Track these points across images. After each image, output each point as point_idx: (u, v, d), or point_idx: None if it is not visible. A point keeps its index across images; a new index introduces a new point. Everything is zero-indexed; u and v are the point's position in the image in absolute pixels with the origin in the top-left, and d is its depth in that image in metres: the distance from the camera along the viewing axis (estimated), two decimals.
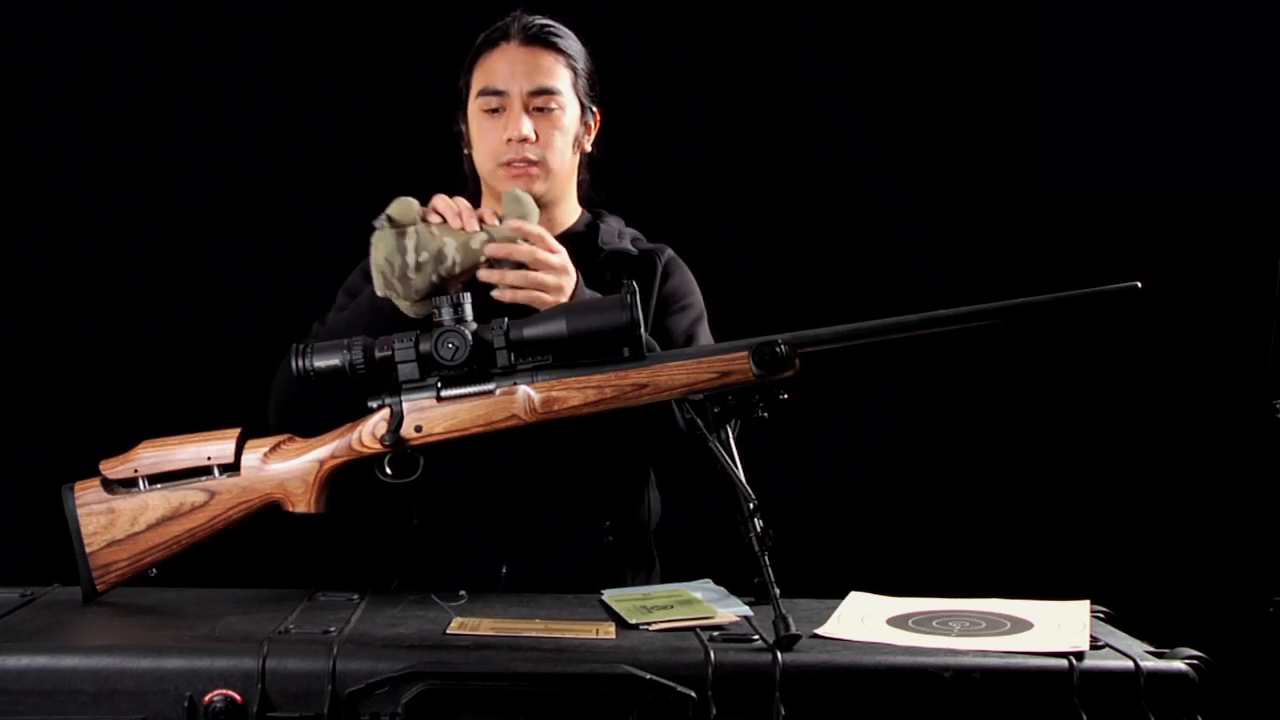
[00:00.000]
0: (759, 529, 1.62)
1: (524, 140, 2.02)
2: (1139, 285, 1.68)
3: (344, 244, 2.10)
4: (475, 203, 2.10)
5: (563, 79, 2.05)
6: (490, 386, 1.74)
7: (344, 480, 1.79)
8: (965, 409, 2.89)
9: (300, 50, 2.84)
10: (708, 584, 1.87)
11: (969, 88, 2.90)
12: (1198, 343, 2.84)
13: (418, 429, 1.75)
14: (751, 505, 1.63)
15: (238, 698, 1.49)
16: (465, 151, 2.12)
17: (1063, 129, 2.87)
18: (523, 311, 1.79)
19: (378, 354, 1.75)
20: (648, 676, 1.49)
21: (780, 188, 2.92)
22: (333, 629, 1.61)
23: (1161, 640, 1.61)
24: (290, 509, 1.79)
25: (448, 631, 1.63)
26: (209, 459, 1.78)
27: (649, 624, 1.66)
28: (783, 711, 1.49)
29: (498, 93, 2.03)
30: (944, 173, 2.91)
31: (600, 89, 2.13)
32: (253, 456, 1.78)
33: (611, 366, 1.73)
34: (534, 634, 1.62)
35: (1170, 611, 2.21)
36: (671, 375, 1.72)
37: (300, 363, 1.75)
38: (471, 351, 1.72)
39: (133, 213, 2.83)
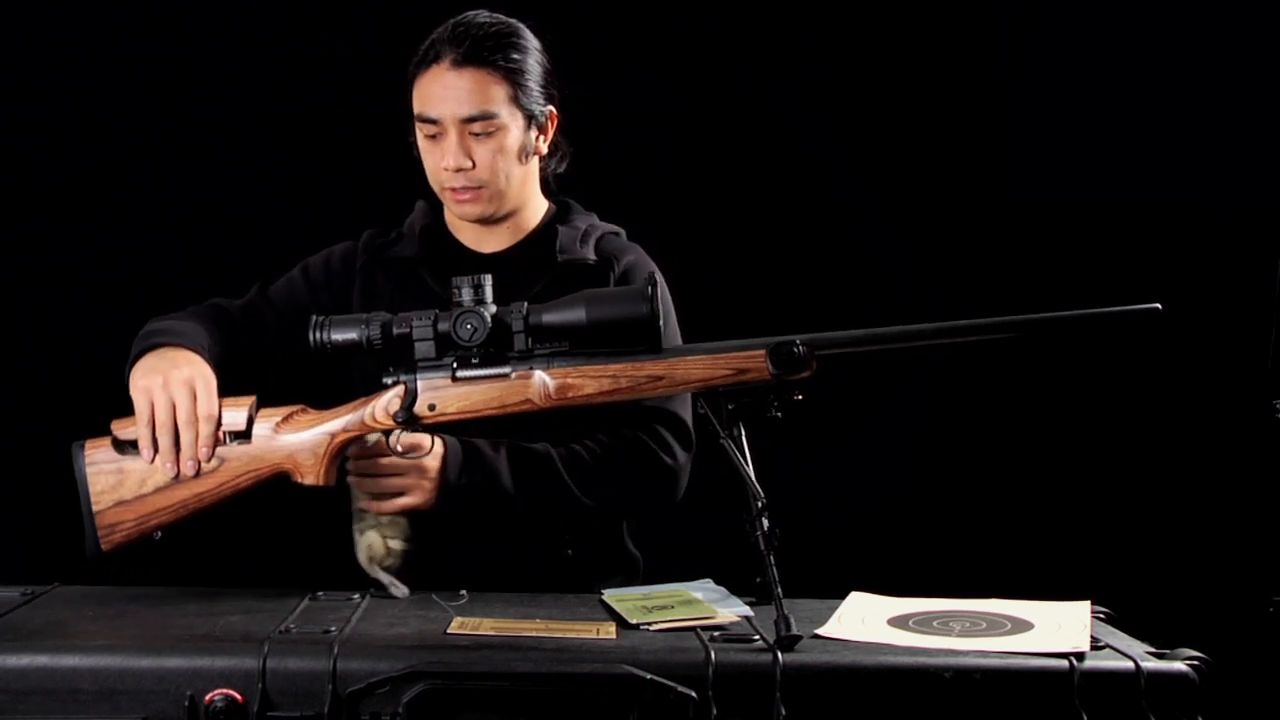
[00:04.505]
0: (766, 528, 1.62)
1: (459, 170, 1.99)
2: (1159, 307, 1.68)
3: (341, 237, 2.13)
4: (437, 210, 2.11)
5: (498, 99, 1.98)
6: (506, 370, 1.74)
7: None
8: (965, 409, 2.88)
9: (296, 49, 2.84)
10: (708, 584, 1.87)
11: (943, 90, 2.90)
12: (1197, 343, 2.84)
13: (431, 407, 1.75)
14: (760, 504, 1.63)
15: (238, 697, 1.49)
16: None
17: (1066, 130, 2.87)
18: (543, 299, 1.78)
19: (395, 330, 1.75)
20: (648, 676, 1.49)
21: (746, 192, 2.91)
22: (333, 629, 1.61)
23: (1162, 641, 1.61)
24: (299, 480, 1.79)
25: (448, 631, 1.63)
26: (221, 426, 1.78)
27: (649, 624, 1.67)
28: (783, 712, 1.49)
29: (432, 121, 1.98)
30: (914, 175, 2.90)
31: (559, 83, 2.07)
32: (264, 426, 1.79)
33: (628, 357, 1.73)
34: (534, 634, 1.62)
35: (1170, 612, 2.21)
36: (688, 369, 1.71)
37: (317, 335, 1.76)
38: (489, 334, 1.72)
39: (129, 214, 2.83)
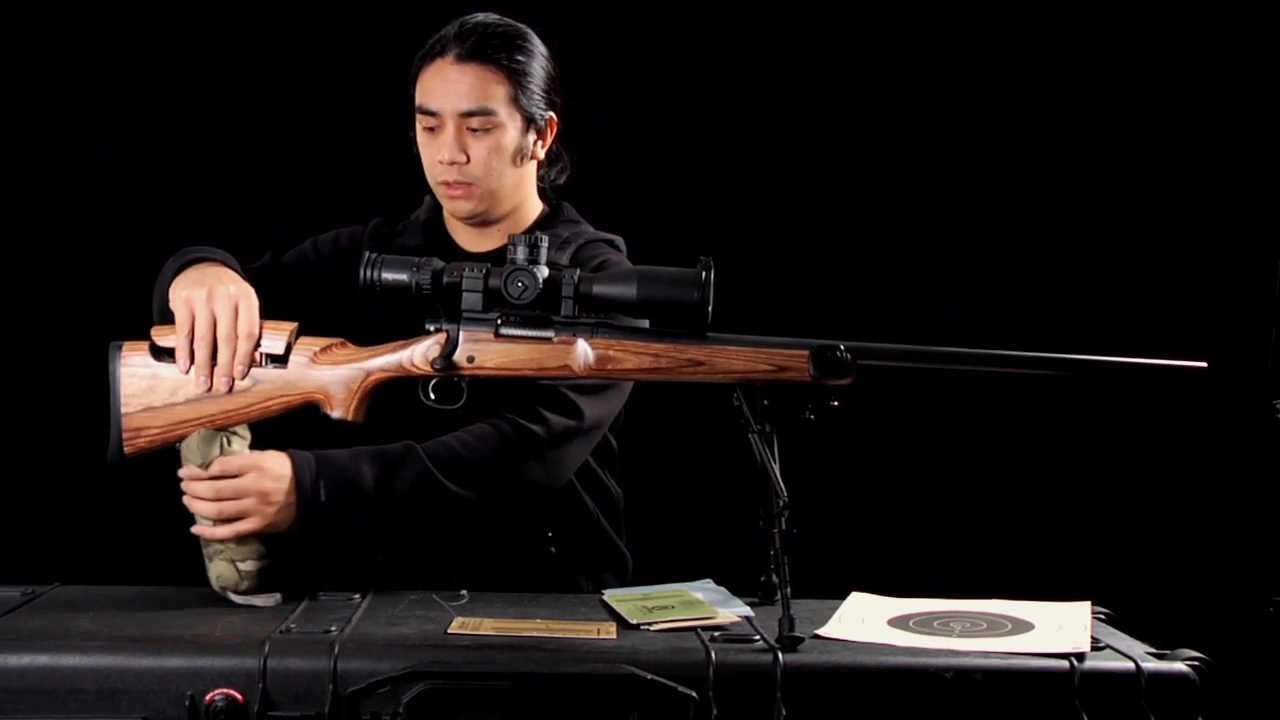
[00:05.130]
0: (784, 527, 1.62)
1: (454, 163, 1.98)
2: (1205, 366, 1.74)
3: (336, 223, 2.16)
4: (438, 207, 2.10)
5: (499, 97, 1.99)
6: (549, 333, 1.74)
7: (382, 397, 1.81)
8: (965, 409, 2.88)
9: (296, 49, 2.84)
10: (709, 584, 1.87)
11: (946, 93, 2.90)
12: (1198, 343, 2.84)
13: (470, 359, 1.75)
14: (781, 502, 1.63)
15: (239, 697, 1.49)
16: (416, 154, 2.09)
17: (1066, 131, 2.87)
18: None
19: (446, 279, 1.75)
20: (649, 676, 1.49)
21: (748, 194, 2.91)
22: (334, 628, 1.61)
23: (1162, 641, 1.61)
24: (328, 412, 1.79)
25: (449, 631, 1.63)
26: (259, 348, 1.79)
27: (650, 624, 1.67)
28: (784, 712, 1.49)
29: (431, 113, 1.99)
30: (916, 177, 2.90)
31: (563, 92, 2.07)
32: (302, 354, 1.79)
33: (672, 338, 1.73)
34: (535, 634, 1.62)
35: (1170, 612, 2.21)
36: (729, 359, 1.72)
37: (368, 273, 1.76)
38: (539, 295, 1.72)
39: (129, 214, 2.83)
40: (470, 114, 1.98)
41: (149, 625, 1.65)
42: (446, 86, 1.98)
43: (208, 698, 1.49)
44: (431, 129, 2.00)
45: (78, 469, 1.91)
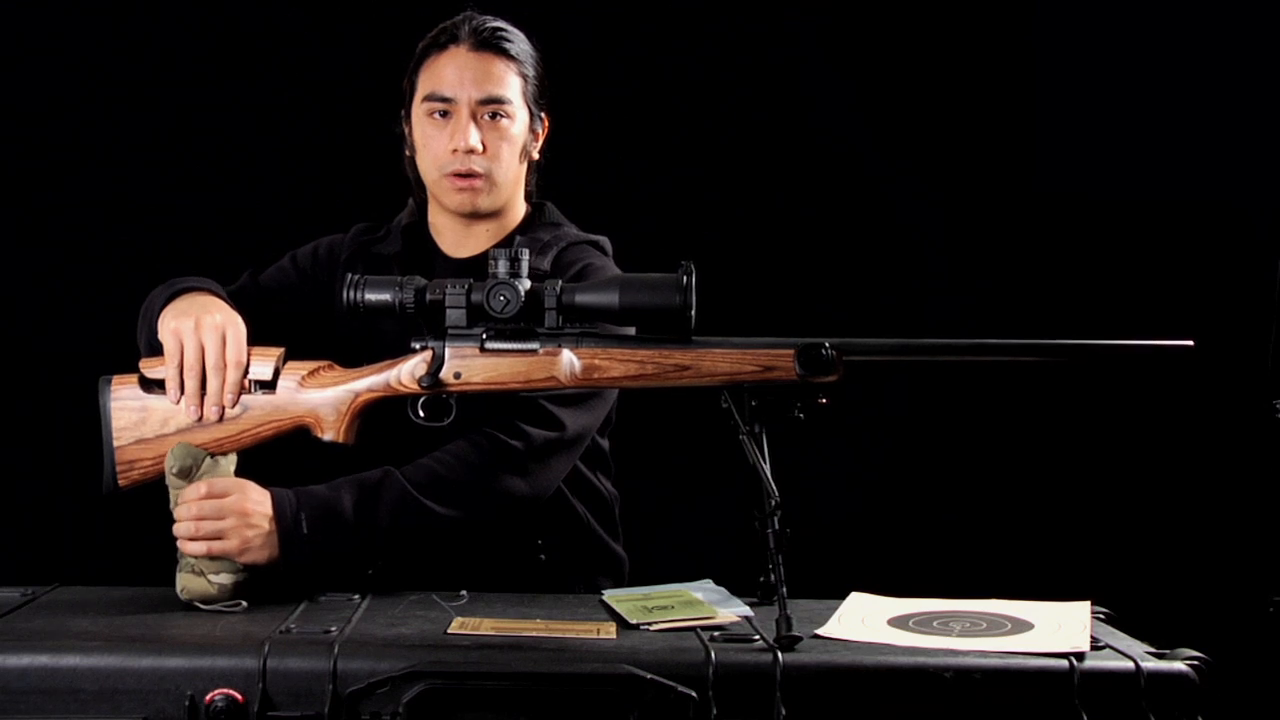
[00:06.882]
0: (777, 527, 1.62)
1: (470, 152, 1.97)
2: (1192, 344, 1.73)
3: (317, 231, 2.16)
4: (421, 211, 2.10)
5: (513, 87, 2.00)
6: (534, 346, 1.74)
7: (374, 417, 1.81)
8: (965, 409, 2.89)
9: (296, 49, 2.84)
10: (708, 584, 1.87)
11: (971, 84, 2.90)
12: (1198, 342, 2.84)
13: (456, 375, 1.76)
14: (773, 502, 1.63)
15: (239, 697, 1.49)
16: (407, 154, 2.08)
17: (1064, 127, 2.87)
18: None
19: (428, 297, 1.75)
20: (649, 676, 1.49)
21: (781, 185, 2.92)
22: (334, 629, 1.61)
23: (1162, 641, 1.61)
24: (318, 435, 1.80)
25: (448, 631, 1.63)
26: (248, 374, 1.80)
27: (650, 624, 1.67)
28: (783, 711, 1.49)
29: (444, 99, 1.98)
30: (947, 168, 2.90)
31: (576, 92, 2.08)
32: (290, 379, 1.80)
33: (657, 344, 1.73)
34: (535, 634, 1.62)
35: (1170, 611, 2.21)
36: (714, 362, 1.72)
37: (351, 294, 1.76)
38: (522, 308, 1.72)
39: (130, 213, 2.83)
40: (487, 101, 1.98)
41: (149, 625, 1.65)
42: (462, 74, 1.98)
43: (208, 698, 1.49)
44: (443, 115, 1.99)
45: (78, 470, 1.91)
